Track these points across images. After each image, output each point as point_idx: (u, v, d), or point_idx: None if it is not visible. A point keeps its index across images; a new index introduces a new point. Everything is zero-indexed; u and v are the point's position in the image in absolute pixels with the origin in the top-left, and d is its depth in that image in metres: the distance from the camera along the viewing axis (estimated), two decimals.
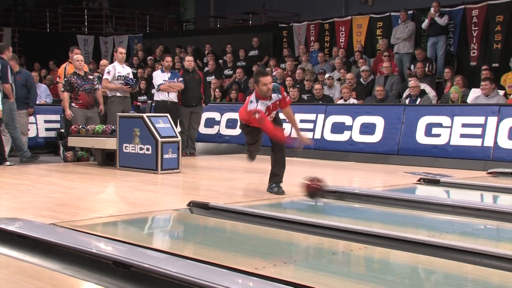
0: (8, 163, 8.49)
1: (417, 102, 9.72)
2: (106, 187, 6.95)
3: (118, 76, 9.45)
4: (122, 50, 9.79)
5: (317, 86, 11.01)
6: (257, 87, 5.80)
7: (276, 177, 6.01)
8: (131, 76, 9.68)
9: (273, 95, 5.87)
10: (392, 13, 12.83)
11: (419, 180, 6.95)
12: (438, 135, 8.89)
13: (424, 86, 10.20)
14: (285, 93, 6.06)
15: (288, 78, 12.06)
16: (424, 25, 11.61)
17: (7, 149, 8.94)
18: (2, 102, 8.93)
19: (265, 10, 17.91)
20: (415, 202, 5.38)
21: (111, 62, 10.53)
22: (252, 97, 5.89)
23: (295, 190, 6.16)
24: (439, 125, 8.91)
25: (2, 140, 8.70)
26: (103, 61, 10.88)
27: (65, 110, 9.01)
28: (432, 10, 11.46)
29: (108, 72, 9.44)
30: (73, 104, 9.06)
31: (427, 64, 11.05)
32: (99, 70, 10.51)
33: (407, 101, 9.93)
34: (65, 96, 9.01)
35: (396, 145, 9.25)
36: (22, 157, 9.12)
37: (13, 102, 8.88)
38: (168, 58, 10.27)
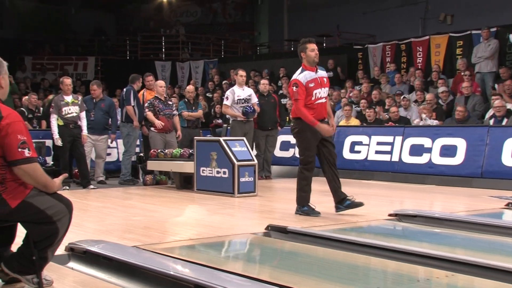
0: (92, 186, 8.83)
1: (503, 123, 9.31)
2: (185, 211, 7.08)
3: (238, 99, 9.58)
4: (242, 73, 9.72)
5: (393, 108, 10.79)
6: (305, 54, 5.93)
7: (300, 199, 6.13)
8: (253, 97, 9.70)
9: (320, 70, 6.02)
10: (473, 32, 12.44)
11: (507, 204, 6.62)
12: None
13: (510, 106, 9.75)
14: None
15: (362, 100, 11.86)
16: None
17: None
18: (121, 126, 9.71)
19: (339, 32, 17.87)
20: (504, 228, 5.11)
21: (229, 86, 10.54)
22: (299, 69, 5.99)
23: (373, 214, 6.04)
24: None
25: (87, 163, 9.09)
26: (190, 87, 10.86)
27: (154, 122, 9.17)
28: None
29: (227, 98, 9.64)
30: (152, 129, 9.33)
31: None
32: (188, 95, 10.46)
33: (491, 122, 9.53)
34: (150, 113, 9.23)
35: (479, 168, 8.87)
36: (120, 179, 9.74)
37: (131, 126, 9.58)
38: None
